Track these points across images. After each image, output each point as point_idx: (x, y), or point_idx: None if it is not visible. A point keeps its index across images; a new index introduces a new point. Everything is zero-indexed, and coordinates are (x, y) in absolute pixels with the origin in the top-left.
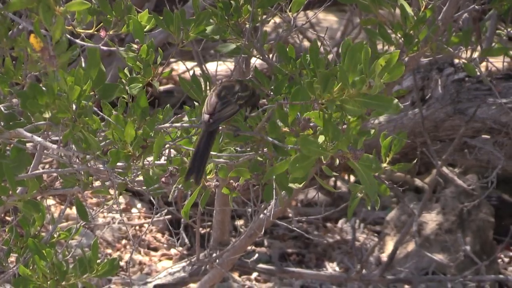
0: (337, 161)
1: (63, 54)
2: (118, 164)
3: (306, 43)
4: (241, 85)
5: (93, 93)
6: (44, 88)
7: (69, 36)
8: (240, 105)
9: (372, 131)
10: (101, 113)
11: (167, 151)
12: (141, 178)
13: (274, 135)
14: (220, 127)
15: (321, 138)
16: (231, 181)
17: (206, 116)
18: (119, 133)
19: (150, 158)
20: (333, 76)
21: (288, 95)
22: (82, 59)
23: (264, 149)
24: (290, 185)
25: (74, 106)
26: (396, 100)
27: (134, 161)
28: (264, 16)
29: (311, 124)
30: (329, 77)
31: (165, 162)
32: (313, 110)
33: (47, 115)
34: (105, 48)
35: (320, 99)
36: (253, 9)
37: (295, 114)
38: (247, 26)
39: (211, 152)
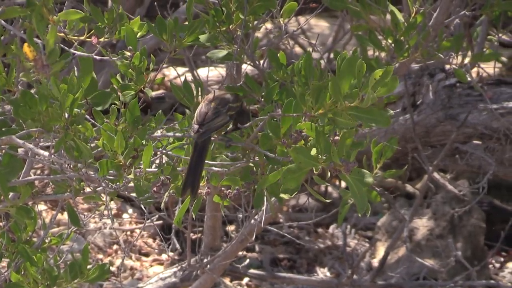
0: (329, 174)
1: (56, 63)
2: (110, 171)
3: (297, 49)
4: (232, 96)
5: (85, 101)
6: (36, 96)
7: (62, 46)
8: (231, 116)
9: (365, 142)
10: (93, 121)
11: (158, 159)
12: (132, 184)
13: (265, 147)
14: (212, 138)
15: (313, 151)
16: (222, 188)
17: (195, 127)
18: (109, 143)
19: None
20: (325, 88)
21: (280, 102)
22: (75, 67)
23: (256, 158)
24: (282, 195)
25: (66, 114)
26: (387, 114)
27: (125, 170)
28: (255, 22)
29: (303, 134)
30: (321, 90)
31: (157, 170)
32: (305, 122)
33: (39, 123)
34: (98, 57)
35: (312, 112)
36: (245, 16)
37: (287, 126)
38: (239, 33)
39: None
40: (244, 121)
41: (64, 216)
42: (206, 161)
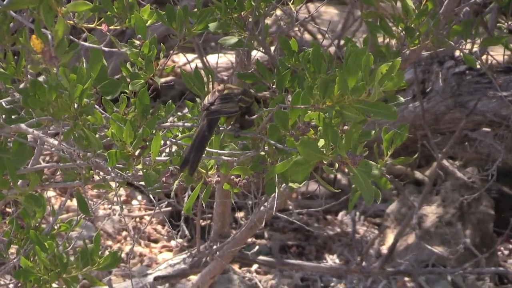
0: (337, 166)
1: (64, 54)
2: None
3: (307, 36)
4: (245, 92)
5: (94, 90)
6: (45, 85)
7: (71, 37)
8: (240, 107)
9: (373, 132)
10: (102, 111)
11: (168, 149)
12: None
13: (274, 137)
14: (221, 127)
15: (321, 142)
16: (232, 176)
17: (206, 104)
18: (118, 133)
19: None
20: (332, 81)
21: (291, 89)
22: (83, 58)
23: (265, 147)
24: (290, 184)
25: (75, 104)
26: (394, 108)
27: (134, 160)
28: (266, 9)
29: (312, 124)
30: (329, 83)
31: (166, 158)
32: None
33: (48, 112)
34: (106, 49)
35: (320, 104)
36: (256, 3)
37: (295, 118)
38: (250, 19)
39: (213, 150)
40: (248, 123)
41: (73, 203)
42: (216, 150)
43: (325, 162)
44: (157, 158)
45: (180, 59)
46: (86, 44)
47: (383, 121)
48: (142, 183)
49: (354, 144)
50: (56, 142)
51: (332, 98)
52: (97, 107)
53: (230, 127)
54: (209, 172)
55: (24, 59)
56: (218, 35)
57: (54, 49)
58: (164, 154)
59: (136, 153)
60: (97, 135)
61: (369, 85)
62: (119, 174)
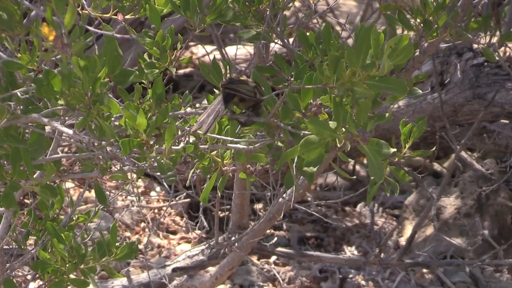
0: (348, 146)
1: (76, 41)
2: (134, 149)
3: None
4: (259, 86)
5: (108, 79)
6: (58, 75)
7: (83, 25)
8: (255, 93)
9: (387, 115)
10: (115, 100)
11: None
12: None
13: (287, 120)
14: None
15: (333, 124)
16: (248, 166)
17: (224, 81)
18: (131, 121)
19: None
20: (342, 58)
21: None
22: (96, 47)
23: (281, 134)
24: (305, 169)
25: (89, 93)
26: (405, 82)
27: (148, 148)
28: (285, 1)
29: (326, 110)
30: (339, 60)
31: (180, 147)
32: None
33: (62, 102)
34: (119, 36)
35: (330, 82)
36: None
37: (308, 100)
38: (268, 12)
39: (228, 138)
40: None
41: (92, 194)
42: (232, 139)
43: (339, 145)
44: (173, 147)
45: (199, 50)
46: (99, 31)
47: (403, 111)
48: (158, 173)
49: (364, 121)
50: (71, 132)
51: (343, 76)
52: (111, 96)
53: (243, 111)
54: (225, 161)
55: (38, 49)
56: (237, 27)
57: (66, 36)
58: (182, 144)
59: (151, 142)
60: (111, 125)
61: (379, 60)
62: (136, 164)
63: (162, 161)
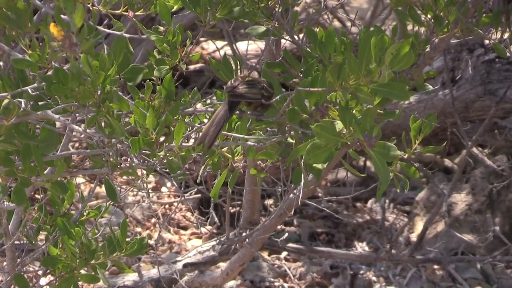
0: (355, 149)
1: (85, 41)
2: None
3: (336, 23)
4: (268, 83)
5: (118, 76)
6: (68, 73)
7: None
8: (262, 95)
9: (397, 111)
10: (125, 97)
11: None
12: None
13: (294, 121)
14: (243, 110)
15: (339, 125)
16: (259, 162)
17: (230, 86)
18: (141, 120)
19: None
20: (345, 65)
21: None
22: (105, 44)
23: (291, 132)
24: (314, 165)
25: (98, 91)
26: (407, 88)
27: (158, 147)
28: None
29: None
30: (341, 66)
31: (190, 145)
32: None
33: (72, 99)
34: (127, 35)
35: (335, 87)
36: None
37: (314, 101)
38: (277, 9)
39: (239, 135)
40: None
41: (102, 189)
42: (242, 136)
43: (349, 144)
44: (183, 144)
45: (209, 46)
46: (108, 30)
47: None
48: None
49: (370, 126)
50: (81, 129)
51: (346, 80)
52: (120, 94)
53: (252, 111)
54: (236, 158)
55: (48, 47)
56: (248, 22)
57: (74, 35)
58: (191, 140)
59: (161, 139)
60: (121, 122)
61: (380, 66)
62: (146, 161)
63: (171, 159)
